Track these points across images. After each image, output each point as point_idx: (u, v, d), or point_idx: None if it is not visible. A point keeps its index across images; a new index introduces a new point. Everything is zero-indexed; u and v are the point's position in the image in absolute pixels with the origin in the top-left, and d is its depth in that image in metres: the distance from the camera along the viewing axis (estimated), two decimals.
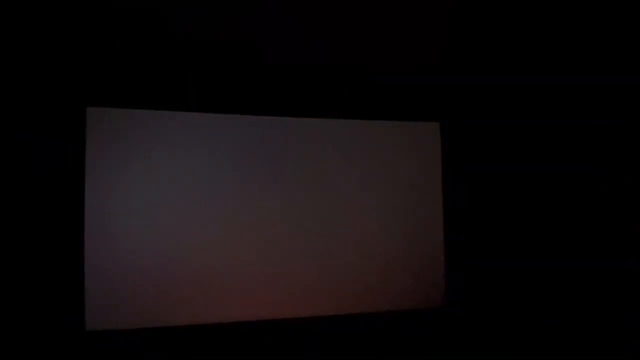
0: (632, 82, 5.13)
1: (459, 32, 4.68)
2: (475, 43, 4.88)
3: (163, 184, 5.14)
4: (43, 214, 4.80)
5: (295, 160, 5.61)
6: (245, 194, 5.39)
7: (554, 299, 5.80)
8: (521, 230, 6.06)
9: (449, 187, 6.02)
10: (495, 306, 5.92)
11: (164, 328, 5.04)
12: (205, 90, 5.35)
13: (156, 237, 5.09)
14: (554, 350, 5.60)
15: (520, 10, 4.27)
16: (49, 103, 4.87)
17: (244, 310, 5.30)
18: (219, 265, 5.24)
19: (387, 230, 5.84)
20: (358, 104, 5.83)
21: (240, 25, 4.39)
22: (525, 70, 5.39)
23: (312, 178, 5.65)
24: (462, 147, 6.09)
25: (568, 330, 5.56)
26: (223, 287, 5.24)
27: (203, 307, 5.16)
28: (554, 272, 5.83)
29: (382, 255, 5.79)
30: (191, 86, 5.27)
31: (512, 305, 5.94)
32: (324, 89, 5.72)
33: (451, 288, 5.93)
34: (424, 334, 5.76)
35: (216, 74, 5.36)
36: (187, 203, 5.19)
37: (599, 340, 5.22)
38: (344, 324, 5.59)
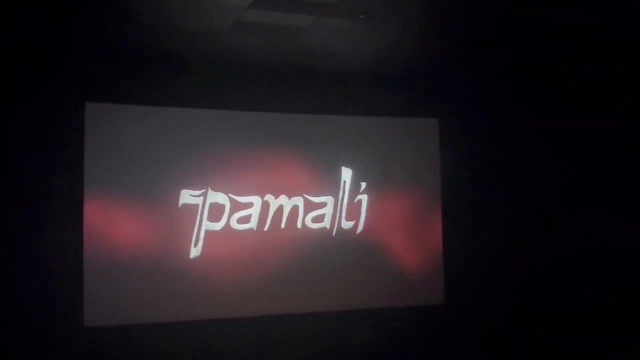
0: None
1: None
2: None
3: (162, 180, 5.13)
4: (43, 212, 4.80)
5: (296, 157, 5.59)
6: (244, 190, 5.36)
7: (552, 298, 5.80)
8: (520, 228, 6.04)
9: (448, 183, 6.01)
10: (493, 304, 5.90)
11: (162, 324, 5.04)
12: (204, 87, 5.35)
13: (154, 235, 5.08)
14: (553, 349, 5.60)
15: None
16: (49, 98, 4.87)
17: (242, 307, 5.28)
18: (217, 263, 5.22)
19: (386, 228, 5.83)
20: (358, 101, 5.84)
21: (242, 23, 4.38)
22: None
23: (312, 174, 5.63)
24: (461, 145, 6.07)
25: (567, 329, 5.57)
26: (221, 284, 5.22)
27: (200, 304, 5.15)
28: (552, 271, 5.83)
29: (380, 252, 5.78)
30: (188, 83, 5.27)
31: (510, 303, 5.93)
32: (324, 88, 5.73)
33: (450, 285, 5.91)
34: (423, 331, 5.76)
35: (214, 72, 5.37)
36: (185, 199, 5.17)
37: (598, 340, 5.21)
38: (343, 320, 5.58)
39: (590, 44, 4.87)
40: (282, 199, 5.49)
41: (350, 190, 5.74)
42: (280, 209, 5.47)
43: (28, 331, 4.65)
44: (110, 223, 4.95)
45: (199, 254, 5.17)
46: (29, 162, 4.79)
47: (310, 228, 5.57)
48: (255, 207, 5.38)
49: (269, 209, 5.43)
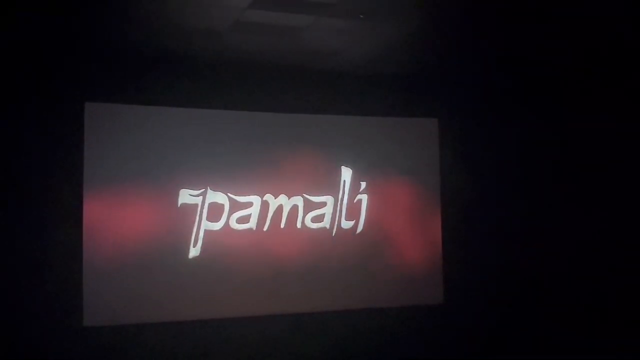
0: None
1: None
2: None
3: (162, 180, 5.12)
4: (43, 212, 4.80)
5: (296, 157, 5.59)
6: (243, 190, 5.36)
7: (552, 297, 5.79)
8: (520, 228, 6.04)
9: (447, 182, 6.01)
10: (493, 304, 5.90)
11: (161, 324, 5.05)
12: (204, 87, 5.36)
13: (154, 235, 5.07)
14: (553, 349, 5.59)
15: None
16: (49, 98, 4.86)
17: (241, 307, 5.28)
18: (216, 263, 5.22)
19: (386, 228, 5.83)
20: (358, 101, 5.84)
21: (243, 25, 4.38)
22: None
23: (312, 174, 5.63)
24: (461, 144, 6.07)
25: (567, 329, 5.56)
26: (221, 284, 5.22)
27: (199, 304, 5.14)
28: (552, 271, 5.82)
29: (380, 252, 5.78)
30: (188, 83, 5.27)
31: (510, 303, 5.93)
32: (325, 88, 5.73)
33: (449, 285, 5.91)
34: (423, 331, 5.76)
35: (214, 72, 5.37)
36: (185, 199, 5.17)
37: (598, 340, 5.21)
38: (343, 320, 5.58)
39: (590, 44, 4.86)
40: (282, 199, 5.47)
41: (350, 190, 5.74)
42: (279, 208, 5.46)
43: (28, 331, 4.65)
44: (110, 223, 4.95)
45: (198, 253, 5.16)
46: (29, 162, 4.79)
47: (310, 228, 5.56)
48: (254, 207, 5.37)
49: (268, 209, 5.41)
